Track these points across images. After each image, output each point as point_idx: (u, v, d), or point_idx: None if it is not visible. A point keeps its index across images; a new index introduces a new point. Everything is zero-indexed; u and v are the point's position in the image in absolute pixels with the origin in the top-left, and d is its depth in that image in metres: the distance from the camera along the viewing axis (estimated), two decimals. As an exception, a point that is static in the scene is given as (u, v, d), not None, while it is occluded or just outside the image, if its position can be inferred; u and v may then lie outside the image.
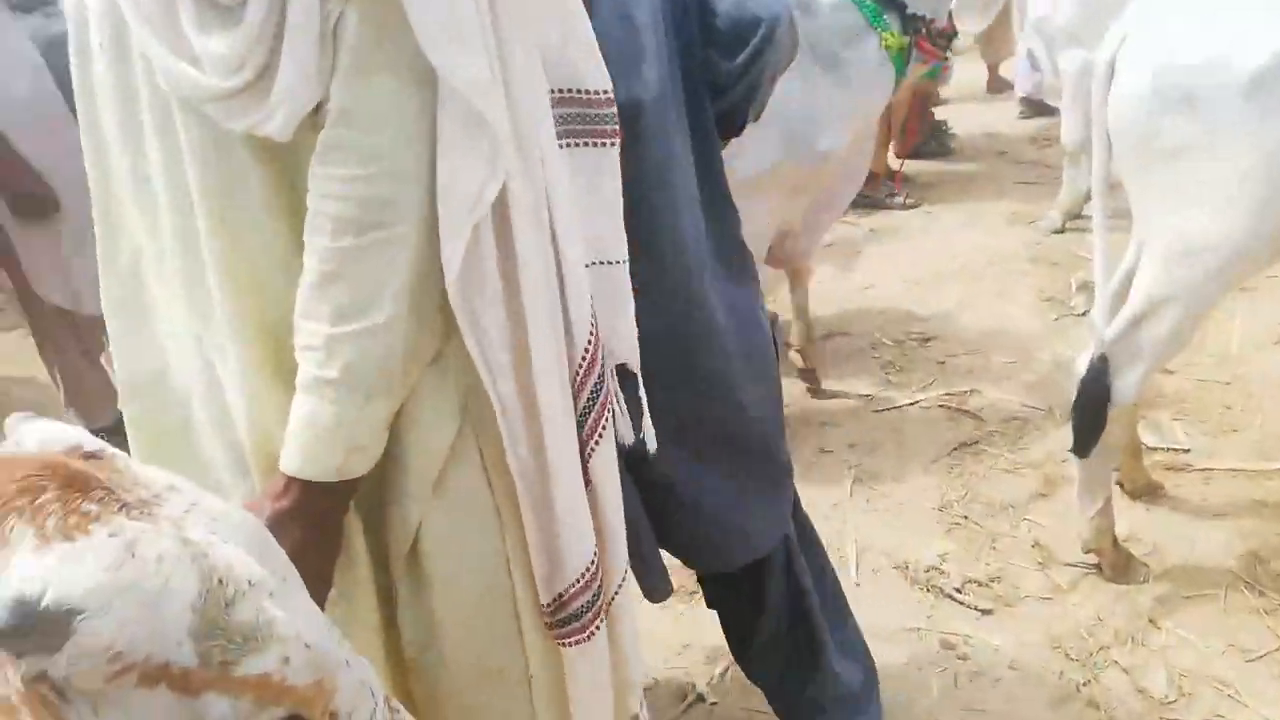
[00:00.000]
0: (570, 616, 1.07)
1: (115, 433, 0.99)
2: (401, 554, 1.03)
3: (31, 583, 0.55)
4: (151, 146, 0.94)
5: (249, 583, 0.64)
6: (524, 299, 0.97)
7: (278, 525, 0.87)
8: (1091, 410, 2.12)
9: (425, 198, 0.89)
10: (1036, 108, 5.56)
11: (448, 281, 0.91)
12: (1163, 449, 2.69)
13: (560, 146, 1.05)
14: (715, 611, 1.73)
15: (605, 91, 1.10)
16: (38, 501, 0.60)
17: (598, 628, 1.09)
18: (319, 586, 0.92)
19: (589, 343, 1.06)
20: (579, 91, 1.08)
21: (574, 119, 1.08)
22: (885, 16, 2.56)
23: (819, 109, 2.53)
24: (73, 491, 0.61)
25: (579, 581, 1.06)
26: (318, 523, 0.94)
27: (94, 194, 1.03)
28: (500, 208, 0.94)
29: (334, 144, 0.88)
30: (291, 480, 0.93)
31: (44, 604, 0.54)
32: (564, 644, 1.08)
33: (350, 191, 0.88)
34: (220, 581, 0.62)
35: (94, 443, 0.68)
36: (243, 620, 0.62)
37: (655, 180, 1.29)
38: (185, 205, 0.93)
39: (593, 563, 1.07)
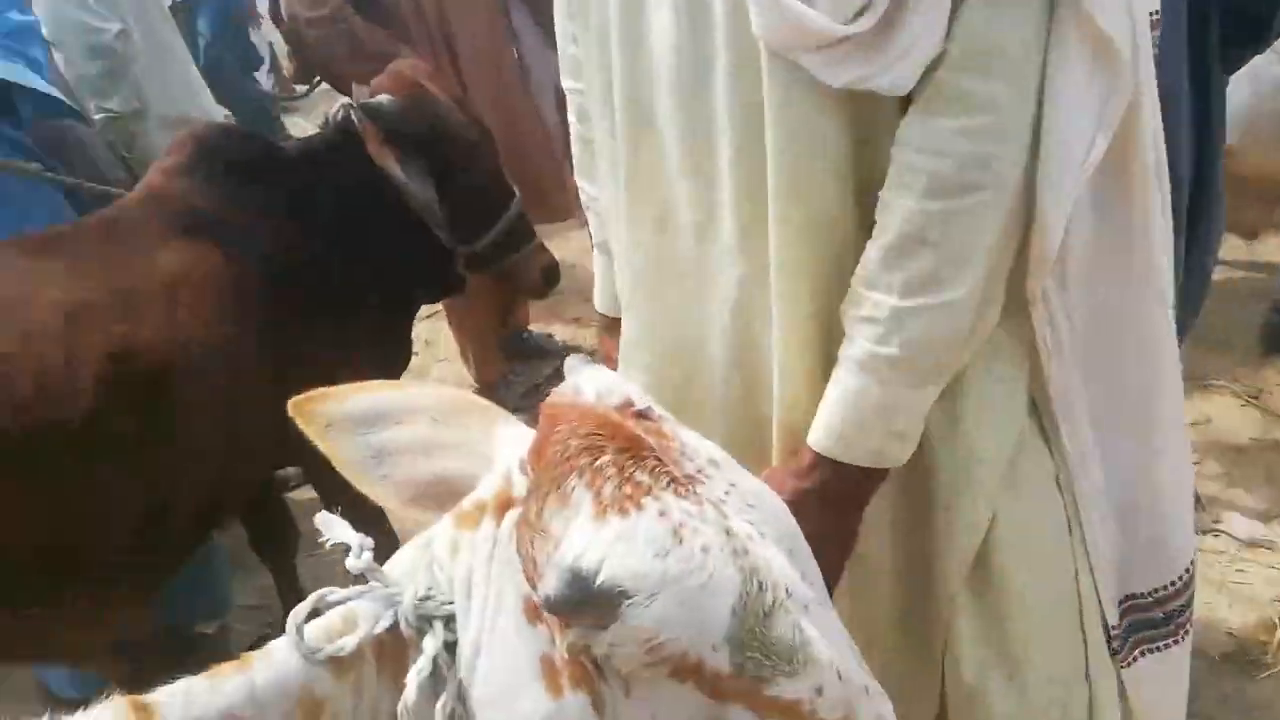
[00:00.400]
0: (1158, 621, 0.98)
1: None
2: (968, 558, 0.93)
3: (588, 557, 0.53)
4: (720, 101, 0.89)
5: (787, 592, 0.59)
6: (1137, 257, 0.88)
7: (797, 505, 0.79)
8: None
9: (1025, 156, 0.81)
10: None
11: (1040, 250, 0.82)
12: None
13: None
14: None
15: (1154, 13, 0.96)
16: (597, 463, 0.59)
17: (1185, 633, 0.99)
18: (829, 580, 0.84)
19: None
20: None
21: None
22: None
23: None
24: (627, 457, 0.60)
25: (1175, 582, 0.98)
26: (841, 509, 0.88)
27: (624, 162, 0.97)
28: (1120, 145, 0.83)
29: (947, 91, 0.80)
30: (820, 459, 0.87)
31: (599, 582, 0.53)
32: (1139, 658, 0.98)
33: (954, 147, 0.80)
34: (760, 586, 0.57)
35: (643, 399, 0.66)
36: (779, 635, 0.57)
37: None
38: (755, 160, 0.88)
39: (1193, 561, 0.99)
